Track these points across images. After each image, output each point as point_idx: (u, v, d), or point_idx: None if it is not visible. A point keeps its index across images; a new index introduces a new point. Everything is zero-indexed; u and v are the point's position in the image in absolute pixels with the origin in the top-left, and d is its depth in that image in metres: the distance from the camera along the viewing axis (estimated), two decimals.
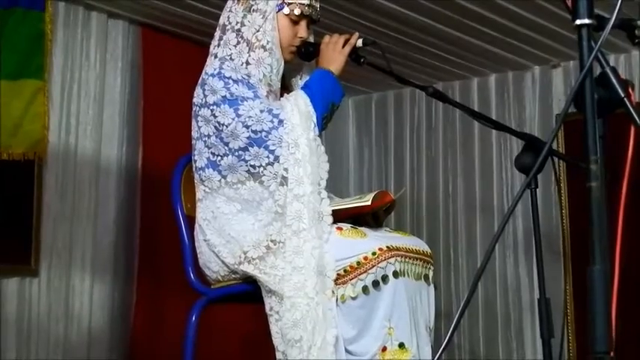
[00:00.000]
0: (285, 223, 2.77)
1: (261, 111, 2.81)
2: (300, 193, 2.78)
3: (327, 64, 2.97)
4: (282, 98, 2.96)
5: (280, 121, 2.81)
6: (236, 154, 2.84)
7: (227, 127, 2.83)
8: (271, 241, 2.81)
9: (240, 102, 2.82)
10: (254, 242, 2.84)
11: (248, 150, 2.82)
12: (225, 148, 2.85)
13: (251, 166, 2.83)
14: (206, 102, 2.87)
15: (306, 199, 2.77)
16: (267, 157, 2.81)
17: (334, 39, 3.00)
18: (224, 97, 2.83)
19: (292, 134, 2.81)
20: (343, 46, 2.98)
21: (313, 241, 2.73)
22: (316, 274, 2.71)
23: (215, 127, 2.85)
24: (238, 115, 2.81)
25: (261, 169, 2.83)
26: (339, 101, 3.03)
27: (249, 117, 2.80)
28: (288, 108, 2.85)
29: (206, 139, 2.90)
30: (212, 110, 2.85)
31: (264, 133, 2.80)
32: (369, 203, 2.87)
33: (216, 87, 2.85)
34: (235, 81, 2.85)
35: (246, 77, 2.88)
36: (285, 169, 2.80)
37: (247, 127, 2.80)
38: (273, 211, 2.82)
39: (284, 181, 2.80)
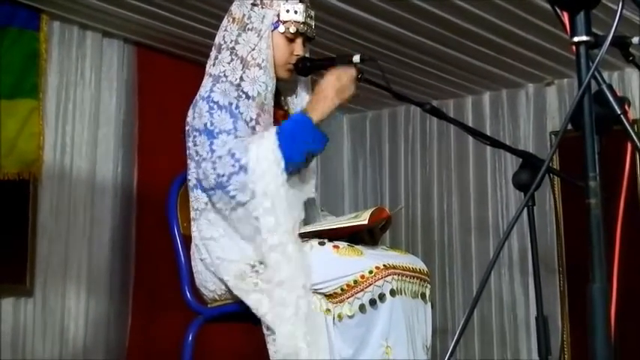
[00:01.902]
0: (267, 273, 2.78)
1: (227, 152, 2.79)
2: (274, 243, 2.74)
3: (311, 108, 2.88)
4: (254, 136, 2.90)
5: (241, 167, 2.76)
6: (209, 192, 2.87)
7: (202, 161, 2.84)
8: (257, 286, 2.82)
9: (215, 135, 2.81)
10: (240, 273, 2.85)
11: (215, 192, 2.83)
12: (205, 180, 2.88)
13: (218, 209, 2.84)
14: (193, 125, 2.89)
15: (282, 248, 2.74)
16: (229, 202, 2.81)
17: (339, 84, 2.89)
18: (205, 125, 2.83)
19: (260, 183, 2.75)
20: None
21: (297, 290, 2.71)
22: (305, 322, 2.70)
23: (197, 152, 2.87)
24: (212, 151, 2.81)
25: (227, 212, 2.84)
26: (321, 147, 2.95)
27: (219, 157, 2.79)
28: (252, 154, 2.77)
29: (194, 160, 2.92)
30: (194, 137, 2.87)
31: (225, 178, 2.78)
32: (365, 222, 2.85)
33: (203, 111, 2.86)
34: (220, 107, 2.85)
35: (234, 101, 2.87)
36: (256, 218, 2.78)
37: (214, 169, 2.80)
38: (253, 261, 2.84)
39: (257, 230, 2.78)
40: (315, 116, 2.85)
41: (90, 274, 5.16)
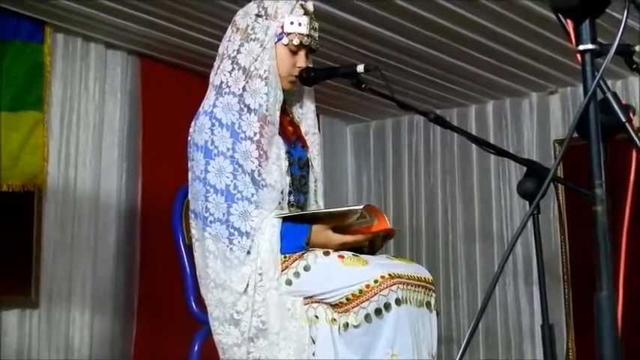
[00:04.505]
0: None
1: (224, 194, 2.81)
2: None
3: (316, 239, 2.87)
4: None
5: (231, 226, 2.81)
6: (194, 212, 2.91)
7: (195, 180, 2.87)
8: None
9: (212, 156, 2.83)
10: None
11: (195, 216, 2.89)
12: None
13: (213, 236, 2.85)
14: (193, 138, 2.91)
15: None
16: (202, 233, 2.85)
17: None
18: (206, 142, 2.85)
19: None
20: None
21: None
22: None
23: (192, 167, 2.89)
24: (206, 171, 2.83)
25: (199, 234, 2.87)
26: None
27: (214, 189, 2.81)
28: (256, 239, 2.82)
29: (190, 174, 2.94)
30: (193, 151, 2.89)
31: (210, 218, 2.82)
32: (361, 207, 2.86)
33: (204, 127, 2.86)
34: (222, 125, 2.86)
35: (237, 120, 2.87)
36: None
37: (206, 198, 2.82)
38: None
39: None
40: (316, 241, 2.86)
41: (94, 286, 5.16)
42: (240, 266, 2.78)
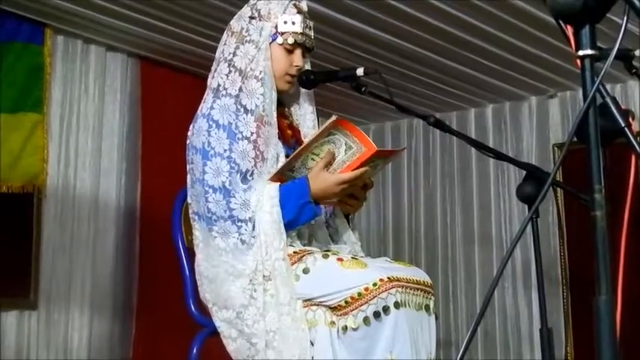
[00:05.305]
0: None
1: (221, 190, 2.81)
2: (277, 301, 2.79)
3: (316, 186, 2.86)
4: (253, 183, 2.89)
5: (232, 217, 2.81)
6: (197, 214, 2.90)
7: (195, 182, 2.86)
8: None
9: (209, 157, 2.83)
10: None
11: (200, 219, 2.88)
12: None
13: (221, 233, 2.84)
14: (191, 141, 2.91)
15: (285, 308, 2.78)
16: (209, 236, 2.84)
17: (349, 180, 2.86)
18: (203, 144, 2.85)
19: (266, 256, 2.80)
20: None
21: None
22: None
23: (192, 170, 2.89)
24: (204, 172, 2.83)
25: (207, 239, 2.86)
26: (306, 220, 2.93)
27: (212, 188, 2.81)
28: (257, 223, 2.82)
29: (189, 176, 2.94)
30: (192, 154, 2.89)
31: (214, 217, 2.82)
32: (334, 118, 2.79)
33: (202, 129, 2.87)
34: (219, 126, 2.86)
35: (234, 121, 2.87)
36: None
37: (206, 199, 2.82)
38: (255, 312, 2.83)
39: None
40: (315, 192, 2.85)
41: (94, 287, 5.16)
42: (250, 249, 2.78)
